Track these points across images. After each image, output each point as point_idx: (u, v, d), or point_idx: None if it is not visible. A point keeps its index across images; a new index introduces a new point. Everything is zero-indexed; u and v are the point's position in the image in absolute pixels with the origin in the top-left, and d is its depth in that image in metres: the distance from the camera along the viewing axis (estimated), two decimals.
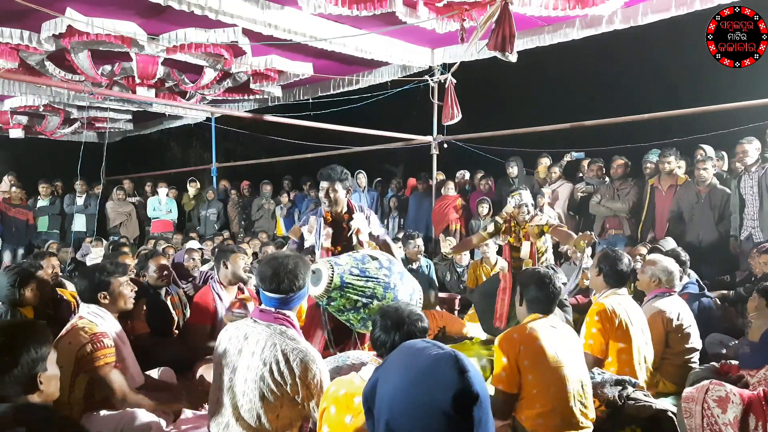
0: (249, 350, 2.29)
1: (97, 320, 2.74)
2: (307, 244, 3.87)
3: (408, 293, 3.42)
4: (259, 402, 2.22)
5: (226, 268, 4.02)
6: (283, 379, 2.21)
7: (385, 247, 3.93)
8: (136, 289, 3.12)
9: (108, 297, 2.84)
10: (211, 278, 5.13)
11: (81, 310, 2.81)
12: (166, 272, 4.21)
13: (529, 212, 4.68)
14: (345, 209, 3.84)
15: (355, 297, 3.23)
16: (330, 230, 3.78)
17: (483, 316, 4.81)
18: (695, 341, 3.52)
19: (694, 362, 3.50)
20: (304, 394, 2.23)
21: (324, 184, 3.75)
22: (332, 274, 3.15)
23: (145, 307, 3.88)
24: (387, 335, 2.08)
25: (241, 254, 4.09)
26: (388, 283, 3.31)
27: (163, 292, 4.29)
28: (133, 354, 3.03)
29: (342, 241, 3.80)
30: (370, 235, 3.89)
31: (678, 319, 3.45)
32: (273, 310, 2.38)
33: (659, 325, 3.42)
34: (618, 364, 3.11)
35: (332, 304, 3.25)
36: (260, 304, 2.51)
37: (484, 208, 7.26)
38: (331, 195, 3.73)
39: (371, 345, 2.26)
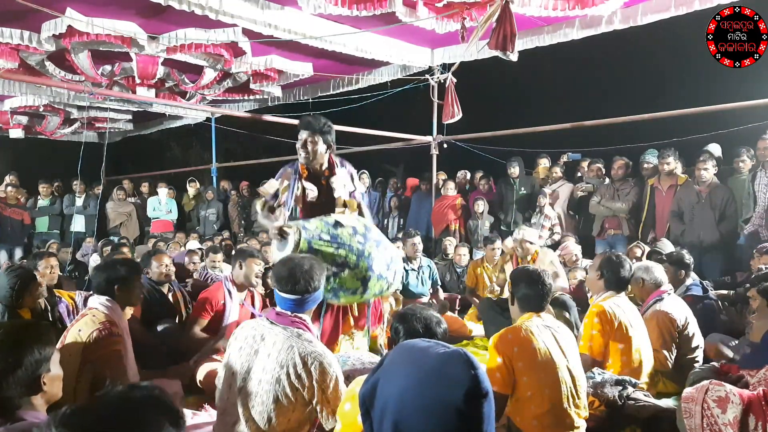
0: (265, 352, 2.26)
1: (107, 311, 2.79)
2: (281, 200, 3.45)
3: (385, 262, 3.23)
4: (272, 404, 2.20)
5: (241, 269, 3.98)
6: (300, 382, 2.19)
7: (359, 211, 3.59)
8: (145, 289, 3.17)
9: (122, 291, 2.88)
10: (212, 280, 5.14)
11: (92, 301, 2.87)
12: (168, 269, 4.23)
13: (525, 249, 4.71)
14: (325, 165, 3.43)
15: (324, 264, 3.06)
16: (311, 186, 3.38)
17: (487, 328, 4.80)
18: (699, 339, 3.57)
19: (698, 361, 3.53)
20: (319, 398, 2.21)
21: (303, 134, 3.33)
22: (299, 239, 2.97)
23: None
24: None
25: (257, 260, 4.04)
26: (362, 250, 3.11)
27: (165, 288, 4.30)
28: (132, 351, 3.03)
29: (320, 200, 3.42)
30: (350, 194, 3.53)
31: (685, 320, 3.49)
32: (289, 313, 2.37)
33: (670, 328, 3.43)
34: (618, 365, 3.11)
35: None
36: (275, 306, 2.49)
37: (479, 206, 7.33)
38: (309, 147, 3.32)
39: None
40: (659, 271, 3.70)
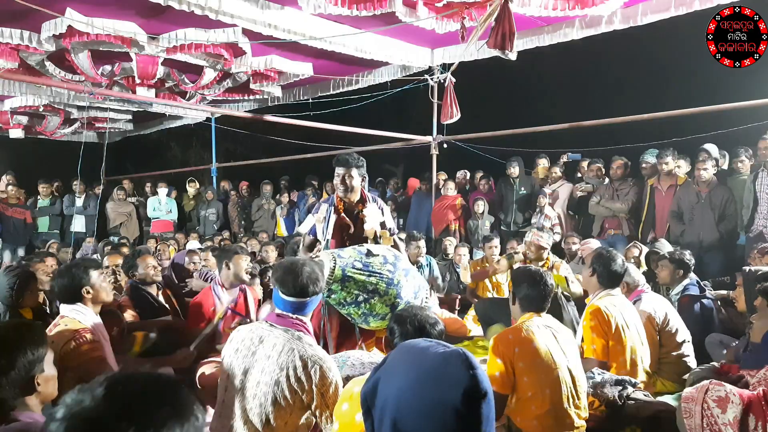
0: (264, 353, 2.25)
1: (79, 317, 2.75)
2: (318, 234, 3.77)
3: (413, 290, 3.39)
4: (271, 406, 2.19)
5: (228, 269, 3.90)
6: (300, 385, 2.18)
7: (393, 244, 3.83)
8: (113, 280, 3.12)
9: (91, 291, 2.84)
10: (212, 279, 5.13)
11: (62, 309, 2.82)
12: (153, 269, 4.18)
13: (537, 254, 4.66)
14: (358, 198, 3.73)
15: (356, 291, 3.21)
16: (344, 218, 3.68)
17: (485, 328, 4.78)
18: (684, 334, 3.60)
19: (688, 355, 3.56)
20: (318, 402, 2.21)
21: (340, 170, 3.65)
22: (334, 266, 3.15)
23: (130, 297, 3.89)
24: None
25: (244, 255, 3.98)
26: (392, 279, 3.28)
27: (154, 288, 4.27)
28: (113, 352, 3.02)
29: (354, 231, 3.71)
30: (383, 226, 3.79)
31: (665, 316, 3.54)
32: (291, 315, 2.37)
33: (649, 327, 3.47)
34: (615, 364, 3.12)
35: (332, 297, 3.25)
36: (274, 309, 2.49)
37: (479, 206, 7.35)
38: (347, 181, 3.63)
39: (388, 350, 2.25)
40: (636, 272, 3.80)
